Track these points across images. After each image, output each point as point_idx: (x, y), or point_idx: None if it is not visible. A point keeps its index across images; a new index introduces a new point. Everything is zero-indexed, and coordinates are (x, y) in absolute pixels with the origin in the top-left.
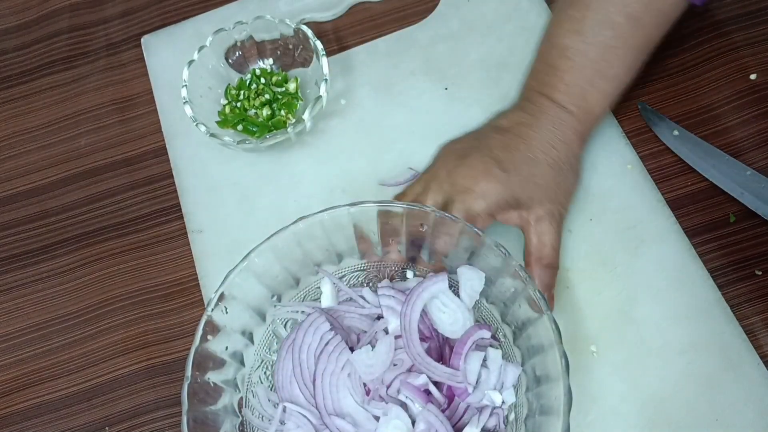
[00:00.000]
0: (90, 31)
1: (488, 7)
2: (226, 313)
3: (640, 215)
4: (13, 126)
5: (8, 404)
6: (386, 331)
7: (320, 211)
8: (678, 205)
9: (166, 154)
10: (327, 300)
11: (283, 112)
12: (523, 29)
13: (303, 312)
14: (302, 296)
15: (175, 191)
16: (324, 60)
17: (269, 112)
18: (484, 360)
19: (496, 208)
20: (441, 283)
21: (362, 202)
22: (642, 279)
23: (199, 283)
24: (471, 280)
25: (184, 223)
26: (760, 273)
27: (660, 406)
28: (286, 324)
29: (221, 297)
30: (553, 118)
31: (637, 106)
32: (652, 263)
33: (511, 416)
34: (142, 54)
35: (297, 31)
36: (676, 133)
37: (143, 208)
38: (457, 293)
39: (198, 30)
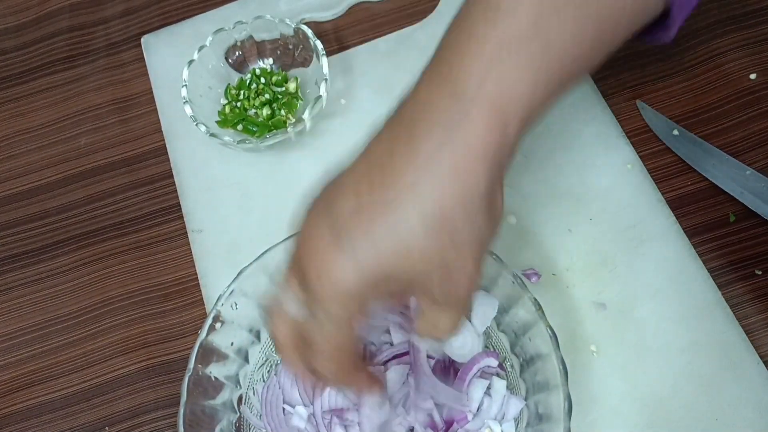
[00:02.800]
0: (90, 31)
1: None
2: (236, 309)
3: (640, 215)
4: (13, 126)
5: (8, 404)
6: (391, 344)
7: None
8: (678, 205)
9: (166, 154)
10: None
11: (283, 112)
12: None
13: None
14: None
15: (175, 191)
16: (324, 60)
17: (269, 112)
18: (488, 388)
19: (359, 300)
20: None
21: None
22: (642, 279)
23: (199, 283)
24: (484, 305)
25: (184, 222)
26: (760, 273)
27: (660, 406)
28: None
29: (232, 293)
30: (449, 127)
31: (637, 106)
32: (652, 263)
33: None
34: (142, 54)
35: (297, 30)
36: (676, 133)
37: (143, 208)
38: (468, 317)
39: (198, 30)
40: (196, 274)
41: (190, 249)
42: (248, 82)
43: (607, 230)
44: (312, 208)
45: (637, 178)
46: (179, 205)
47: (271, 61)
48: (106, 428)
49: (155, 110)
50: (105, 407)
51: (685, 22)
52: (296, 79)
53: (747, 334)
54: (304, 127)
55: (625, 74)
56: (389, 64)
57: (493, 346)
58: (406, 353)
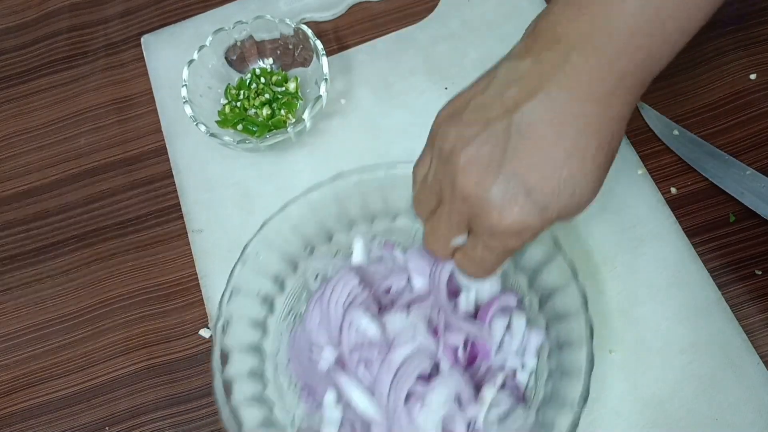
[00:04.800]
0: (90, 31)
1: (488, 7)
2: (259, 259)
3: (640, 215)
4: (13, 126)
5: (8, 404)
6: (411, 289)
7: (357, 170)
8: (678, 205)
9: (166, 153)
10: (358, 257)
11: (283, 112)
12: (523, 29)
13: (333, 266)
14: (334, 252)
15: (175, 191)
16: (324, 60)
17: (269, 112)
18: (508, 325)
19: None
20: None
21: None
22: (642, 279)
23: (199, 283)
24: None
25: (184, 222)
26: (760, 273)
27: (660, 406)
28: (316, 277)
29: (232, 293)
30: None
31: (637, 106)
32: (652, 263)
33: (531, 381)
34: (142, 54)
35: (297, 30)
36: (676, 133)
37: (143, 208)
38: None
39: (198, 30)
40: (196, 274)
41: (190, 249)
42: (248, 82)
43: (607, 230)
44: (479, 151)
45: (637, 178)
46: (179, 205)
47: (271, 61)
48: (106, 428)
49: (155, 110)
50: (105, 407)
51: None
52: (296, 79)
53: (747, 334)
54: (304, 127)
55: None
56: (389, 64)
57: (510, 287)
58: (426, 298)
